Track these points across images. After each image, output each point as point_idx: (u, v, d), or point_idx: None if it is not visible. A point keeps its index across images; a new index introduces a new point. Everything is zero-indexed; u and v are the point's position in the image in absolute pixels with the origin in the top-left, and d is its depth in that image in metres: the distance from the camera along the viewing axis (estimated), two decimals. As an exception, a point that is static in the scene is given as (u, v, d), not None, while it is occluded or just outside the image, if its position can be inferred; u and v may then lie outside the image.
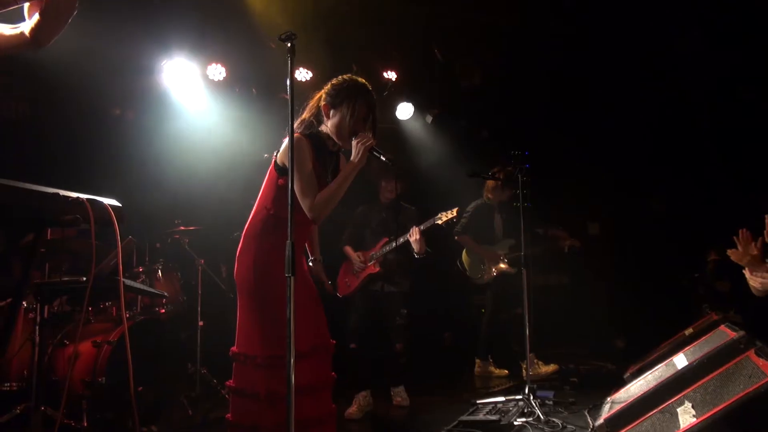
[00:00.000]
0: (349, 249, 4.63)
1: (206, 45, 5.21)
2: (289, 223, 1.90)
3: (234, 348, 2.43)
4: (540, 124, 6.45)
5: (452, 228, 4.99)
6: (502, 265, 5.38)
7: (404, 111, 6.14)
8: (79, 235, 3.87)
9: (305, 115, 2.50)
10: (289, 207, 1.92)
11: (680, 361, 3.20)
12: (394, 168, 2.55)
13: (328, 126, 2.45)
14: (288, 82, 2.03)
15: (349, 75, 2.51)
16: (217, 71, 5.33)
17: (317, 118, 2.49)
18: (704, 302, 5.74)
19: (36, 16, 1.65)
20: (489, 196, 5.47)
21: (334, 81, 2.48)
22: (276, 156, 2.44)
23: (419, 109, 6.20)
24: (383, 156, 2.38)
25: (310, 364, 2.30)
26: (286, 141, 2.30)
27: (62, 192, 2.28)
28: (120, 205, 2.67)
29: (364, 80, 2.49)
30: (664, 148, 6.58)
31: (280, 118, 4.87)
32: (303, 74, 5.58)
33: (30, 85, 4.77)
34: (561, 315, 6.24)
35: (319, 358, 2.40)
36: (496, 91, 6.12)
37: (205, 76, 5.29)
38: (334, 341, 2.55)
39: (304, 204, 2.28)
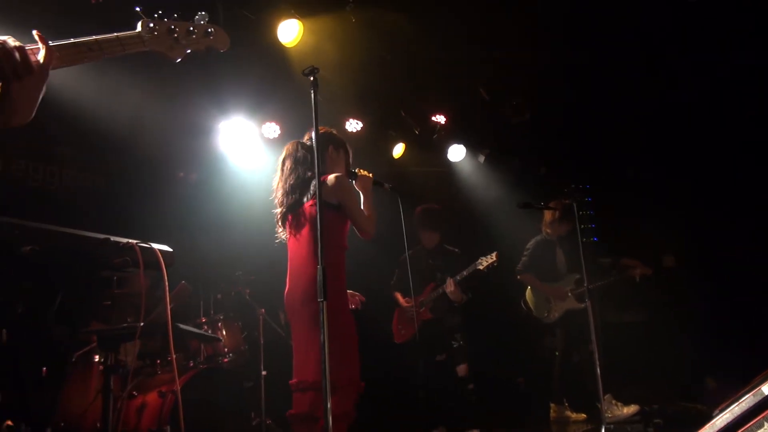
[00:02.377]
0: (399, 295, 4.66)
1: (261, 105, 5.47)
2: (319, 249, 1.93)
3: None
4: (602, 155, 6.29)
5: (493, 272, 4.89)
6: (569, 302, 5.15)
7: (456, 153, 6.16)
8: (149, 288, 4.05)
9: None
10: (319, 233, 1.95)
11: (768, 388, 2.93)
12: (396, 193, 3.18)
13: None
14: (313, 114, 2.09)
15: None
16: (272, 129, 5.58)
17: None
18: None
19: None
20: (548, 231, 5.34)
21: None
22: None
23: (471, 149, 6.21)
24: (386, 184, 3.05)
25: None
26: (329, 181, 2.79)
27: (113, 237, 2.41)
28: (171, 250, 2.79)
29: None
30: (742, 173, 6.21)
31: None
32: (354, 125, 5.74)
33: (103, 158, 5.15)
34: (641, 353, 5.87)
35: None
36: (548, 125, 6.05)
37: (261, 135, 5.53)
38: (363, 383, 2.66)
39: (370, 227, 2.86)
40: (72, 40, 1.58)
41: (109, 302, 3.58)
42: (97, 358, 3.64)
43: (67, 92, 4.07)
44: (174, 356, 2.37)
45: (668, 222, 6.37)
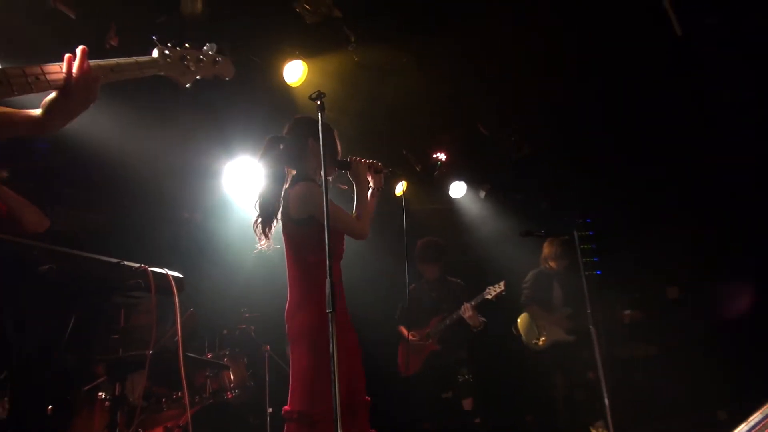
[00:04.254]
0: (404, 329, 4.66)
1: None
2: (327, 262, 1.97)
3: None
4: (604, 188, 6.36)
5: (502, 301, 4.91)
6: (557, 333, 5.17)
7: (457, 189, 6.26)
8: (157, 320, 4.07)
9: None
10: (327, 248, 2.00)
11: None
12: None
13: None
14: (320, 138, 2.18)
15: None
16: (277, 169, 5.68)
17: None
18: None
19: (50, 102, 1.62)
20: (548, 265, 5.39)
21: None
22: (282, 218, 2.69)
23: (472, 185, 6.30)
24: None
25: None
26: (293, 195, 2.63)
27: (125, 261, 2.47)
28: (181, 276, 2.84)
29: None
30: (743, 201, 6.28)
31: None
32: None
33: (109, 199, 5.24)
34: (652, 388, 5.80)
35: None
36: (548, 159, 6.16)
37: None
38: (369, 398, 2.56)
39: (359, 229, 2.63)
40: (97, 62, 1.69)
41: (117, 335, 3.61)
42: (102, 394, 3.64)
43: (78, 133, 4.19)
44: (185, 382, 2.37)
45: (672, 253, 6.40)
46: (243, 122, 5.13)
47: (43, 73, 1.57)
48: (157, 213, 5.22)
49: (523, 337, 5.40)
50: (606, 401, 3.85)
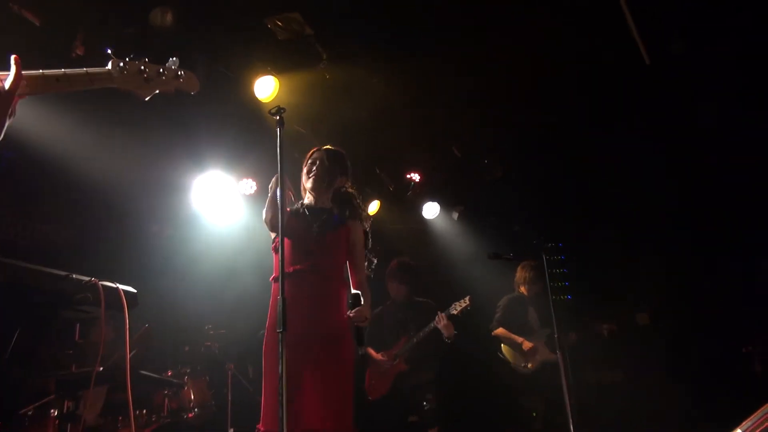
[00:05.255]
0: (371, 350, 4.60)
1: (239, 160, 5.53)
2: (281, 278, 1.94)
3: None
4: (574, 214, 6.42)
5: (468, 316, 4.85)
6: (544, 353, 5.10)
7: (430, 210, 6.26)
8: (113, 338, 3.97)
9: None
10: (281, 262, 1.97)
11: (737, 433, 2.92)
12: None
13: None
14: (278, 152, 2.15)
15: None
16: (249, 185, 5.63)
17: None
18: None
19: None
20: (521, 289, 5.37)
21: None
22: None
23: (445, 206, 6.32)
24: None
25: None
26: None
27: (75, 275, 2.39)
28: (135, 291, 2.77)
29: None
30: (710, 228, 6.37)
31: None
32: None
33: (76, 211, 5.13)
34: (618, 414, 5.79)
35: None
36: (520, 182, 6.21)
37: (237, 191, 5.57)
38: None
39: None
40: (41, 72, 1.64)
41: (71, 351, 3.50)
42: (54, 411, 3.51)
43: (48, 146, 4.11)
44: (131, 399, 2.30)
45: (641, 280, 6.46)
46: (214, 137, 5.09)
47: None
48: (123, 227, 5.13)
49: (511, 362, 5.27)
50: (571, 427, 3.82)
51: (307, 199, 3.01)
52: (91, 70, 1.80)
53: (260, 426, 2.49)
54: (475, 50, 4.34)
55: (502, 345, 5.37)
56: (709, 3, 4.12)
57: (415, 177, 6.05)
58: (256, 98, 4.49)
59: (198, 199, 5.43)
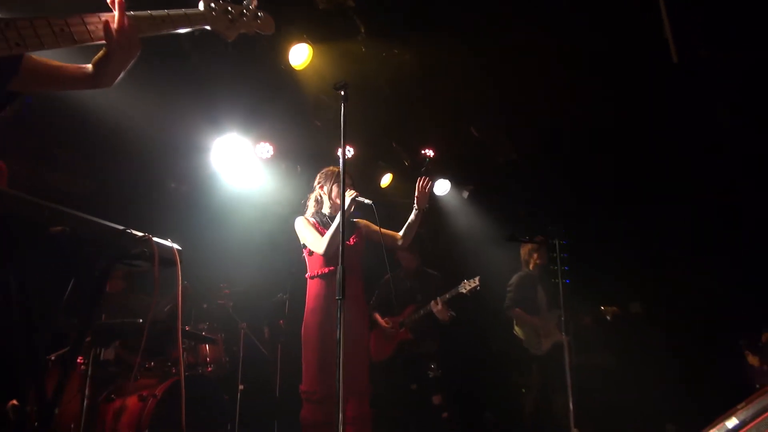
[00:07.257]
0: (378, 316, 4.73)
1: (256, 124, 5.56)
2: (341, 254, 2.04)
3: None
4: (576, 201, 6.52)
5: (476, 296, 4.97)
6: (556, 335, 5.22)
7: (441, 187, 6.35)
8: (130, 290, 4.07)
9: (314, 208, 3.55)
10: (341, 247, 2.06)
11: (731, 422, 3.07)
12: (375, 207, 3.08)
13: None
14: (342, 129, 2.22)
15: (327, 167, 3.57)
16: (265, 149, 5.66)
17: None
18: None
19: (97, 60, 1.69)
20: (529, 266, 5.47)
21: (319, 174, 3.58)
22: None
23: (456, 184, 6.40)
24: (366, 200, 2.99)
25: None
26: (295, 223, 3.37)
27: (130, 229, 2.47)
28: (180, 248, 2.85)
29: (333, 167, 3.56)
30: (707, 221, 6.51)
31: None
32: (347, 151, 5.86)
33: (97, 164, 5.15)
34: (605, 397, 5.99)
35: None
36: (532, 166, 6.29)
37: (254, 154, 5.61)
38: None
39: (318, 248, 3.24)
40: (149, 12, 1.69)
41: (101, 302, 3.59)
42: (81, 358, 3.61)
43: (74, 99, 4.12)
44: (182, 352, 2.40)
45: (637, 270, 6.62)
46: (234, 99, 5.11)
47: (81, 24, 1.53)
48: (144, 181, 5.18)
49: (524, 342, 5.37)
50: (571, 407, 3.98)
51: (328, 210, 3.50)
52: (188, 11, 1.83)
53: (302, 386, 2.69)
54: (507, 36, 4.37)
55: (515, 324, 5.50)
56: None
57: (430, 153, 6.11)
58: (283, 65, 4.49)
59: (216, 161, 5.46)
